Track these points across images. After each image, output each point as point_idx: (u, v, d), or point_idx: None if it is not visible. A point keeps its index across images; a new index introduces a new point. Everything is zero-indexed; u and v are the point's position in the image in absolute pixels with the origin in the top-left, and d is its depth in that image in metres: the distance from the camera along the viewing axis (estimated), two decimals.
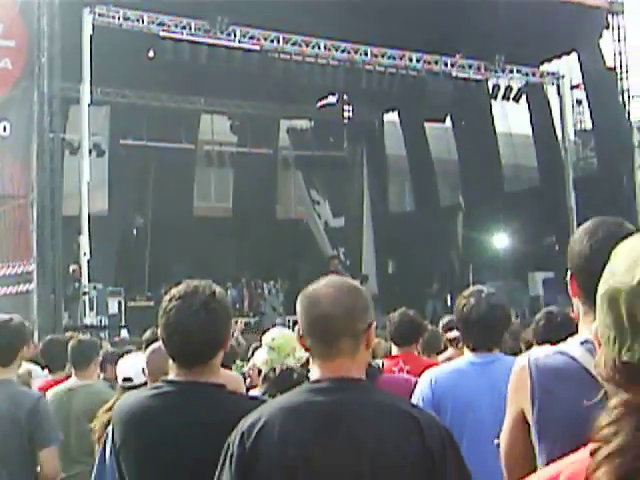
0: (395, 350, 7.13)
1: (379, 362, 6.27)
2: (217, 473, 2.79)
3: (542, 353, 2.94)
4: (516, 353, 6.25)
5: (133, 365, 6.36)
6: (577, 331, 4.97)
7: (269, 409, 2.85)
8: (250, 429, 2.76)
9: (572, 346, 2.87)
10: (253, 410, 2.90)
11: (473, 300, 4.83)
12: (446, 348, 7.78)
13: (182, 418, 3.34)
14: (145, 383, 6.00)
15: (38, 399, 5.74)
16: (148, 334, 9.20)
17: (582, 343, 2.84)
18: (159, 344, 5.43)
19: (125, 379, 6.28)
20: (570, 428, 2.66)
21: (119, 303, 22.31)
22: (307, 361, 6.47)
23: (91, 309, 20.20)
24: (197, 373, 3.41)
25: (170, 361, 3.51)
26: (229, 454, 2.78)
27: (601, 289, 1.50)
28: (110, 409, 6.24)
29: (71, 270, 20.34)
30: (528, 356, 2.94)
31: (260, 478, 2.73)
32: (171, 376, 3.49)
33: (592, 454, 1.41)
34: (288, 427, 2.77)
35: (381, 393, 2.98)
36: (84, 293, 19.94)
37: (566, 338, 5.02)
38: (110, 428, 3.67)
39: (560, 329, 5.13)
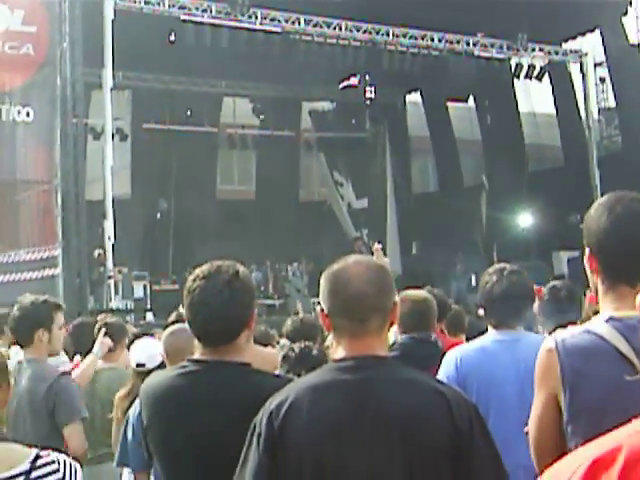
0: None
1: None
2: (244, 452, 2.80)
3: (568, 334, 2.91)
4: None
5: (145, 350, 6.38)
6: (580, 304, 4.92)
7: (296, 388, 2.86)
8: (278, 408, 2.76)
9: (598, 324, 2.85)
10: (279, 388, 2.91)
11: (495, 277, 4.82)
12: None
13: (208, 397, 3.35)
14: (158, 367, 6.04)
15: (59, 376, 5.78)
16: (173, 317, 9.23)
17: (607, 321, 2.82)
18: (177, 327, 5.48)
19: (138, 365, 6.30)
20: (605, 406, 2.64)
21: (144, 287, 22.41)
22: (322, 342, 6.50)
23: (116, 293, 20.29)
24: (222, 352, 3.42)
25: (195, 341, 3.52)
26: (256, 433, 2.78)
27: None
28: (127, 395, 6.29)
29: (96, 254, 20.40)
30: (554, 338, 2.91)
31: (289, 457, 2.73)
32: (196, 355, 3.51)
33: None
34: (317, 406, 2.78)
35: (408, 370, 2.97)
36: (109, 277, 20.01)
37: (570, 311, 4.94)
38: (136, 408, 3.68)
39: (565, 303, 5.09)
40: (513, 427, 3.96)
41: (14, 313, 5.90)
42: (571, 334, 2.89)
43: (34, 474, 3.00)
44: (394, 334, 5.81)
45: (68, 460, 3.10)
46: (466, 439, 2.73)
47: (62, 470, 3.02)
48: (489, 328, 4.91)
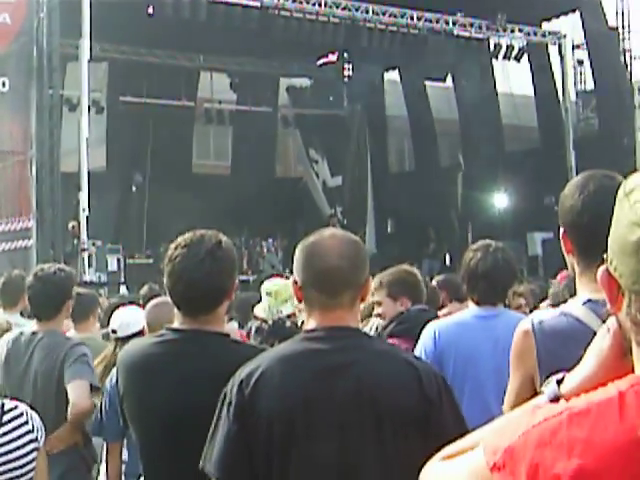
0: None
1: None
2: (214, 421, 2.81)
3: (545, 316, 2.92)
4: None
5: (119, 318, 6.40)
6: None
7: (267, 358, 2.87)
8: (249, 377, 2.77)
9: (574, 307, 2.85)
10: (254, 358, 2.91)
11: (480, 254, 4.82)
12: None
13: (185, 365, 3.35)
14: (131, 336, 6.06)
15: (74, 345, 5.74)
16: (145, 289, 9.24)
17: (584, 303, 2.82)
18: (161, 299, 5.47)
19: (112, 331, 6.34)
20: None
21: (118, 260, 22.33)
22: (293, 313, 6.56)
23: (90, 266, 20.21)
24: (202, 321, 3.42)
25: (175, 309, 3.51)
26: (227, 402, 2.79)
27: (633, 235, 1.42)
28: (101, 362, 6.29)
29: (70, 226, 20.30)
30: (531, 320, 2.91)
31: (260, 425, 2.74)
32: (175, 324, 3.50)
33: None
34: (287, 375, 2.79)
35: (379, 341, 2.99)
36: (83, 250, 19.94)
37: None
38: (113, 377, 3.68)
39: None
40: (490, 402, 3.98)
41: (40, 285, 5.78)
42: (548, 316, 2.90)
43: (5, 418, 3.23)
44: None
45: (24, 405, 3.28)
46: (435, 408, 2.76)
47: (25, 414, 3.19)
48: (470, 303, 4.91)
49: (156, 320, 5.25)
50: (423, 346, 4.71)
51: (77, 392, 5.45)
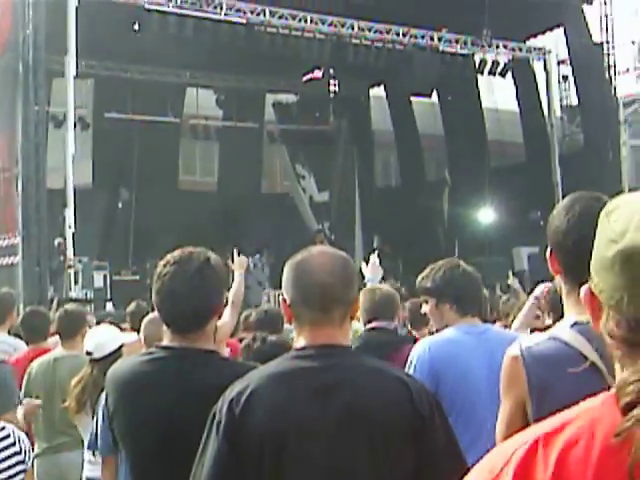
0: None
1: None
2: (203, 440, 2.78)
3: (533, 341, 2.91)
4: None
5: (95, 339, 6.36)
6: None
7: (257, 377, 2.85)
8: (239, 396, 2.75)
9: (563, 330, 2.85)
10: (245, 375, 2.89)
11: (452, 267, 4.87)
12: None
13: (175, 383, 3.33)
14: (108, 356, 6.04)
15: None
16: (132, 307, 9.21)
17: (572, 326, 2.82)
18: (156, 315, 5.46)
19: (87, 352, 6.29)
20: None
21: (104, 277, 22.27)
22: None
23: (76, 282, 20.16)
24: (190, 339, 3.41)
25: (164, 327, 3.50)
26: (216, 421, 2.76)
27: (609, 251, 1.47)
28: (79, 383, 6.26)
29: (56, 243, 20.26)
30: (519, 345, 2.90)
31: (250, 445, 2.71)
32: (165, 342, 3.49)
33: (626, 409, 1.40)
34: (278, 394, 2.77)
35: (370, 359, 2.98)
36: (69, 266, 19.88)
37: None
38: (104, 394, 3.67)
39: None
40: (487, 418, 3.97)
41: None
42: (536, 341, 2.89)
43: None
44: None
45: (12, 426, 3.24)
46: (427, 425, 2.75)
47: (12, 435, 3.16)
48: (448, 311, 4.92)
49: (152, 335, 5.25)
50: (416, 363, 4.69)
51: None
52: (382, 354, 4.68)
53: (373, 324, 5.83)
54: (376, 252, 6.39)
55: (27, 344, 7.94)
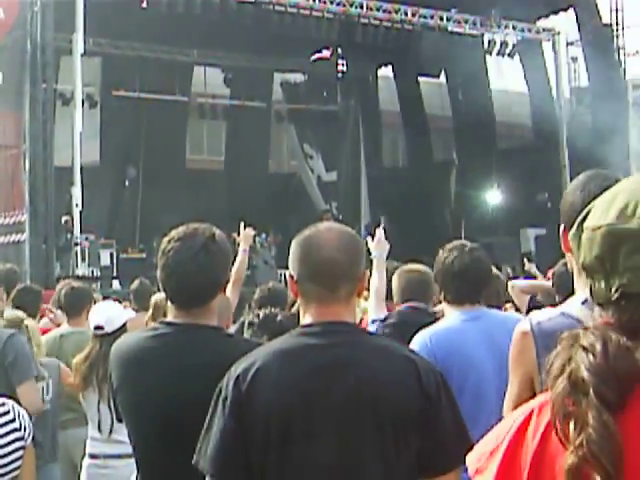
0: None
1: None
2: (209, 417, 2.77)
3: (544, 316, 2.90)
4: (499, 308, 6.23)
5: (104, 313, 6.36)
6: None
7: (263, 353, 2.84)
8: (245, 373, 2.74)
9: (574, 307, 2.84)
10: (249, 352, 2.89)
11: (456, 252, 4.79)
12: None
13: (179, 359, 3.33)
14: (116, 331, 6.05)
15: (8, 337, 5.75)
16: (136, 284, 9.23)
17: (583, 302, 2.80)
18: None
19: (96, 327, 6.28)
20: None
21: (111, 255, 22.31)
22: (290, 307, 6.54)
23: (83, 260, 20.20)
24: (195, 315, 3.40)
25: (168, 303, 3.50)
26: (221, 397, 2.75)
27: (598, 221, 1.55)
28: (85, 359, 6.26)
29: (63, 221, 20.30)
30: (530, 320, 2.90)
31: (256, 421, 2.71)
32: (169, 318, 3.48)
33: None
34: (285, 370, 2.76)
35: (377, 337, 2.97)
36: (76, 244, 19.92)
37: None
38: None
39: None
40: (494, 405, 3.95)
41: None
42: (547, 316, 2.88)
43: None
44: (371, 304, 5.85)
45: (12, 402, 3.24)
46: (433, 404, 2.74)
47: (12, 411, 3.16)
48: (446, 306, 4.88)
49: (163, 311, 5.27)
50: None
51: (25, 397, 5.51)
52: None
53: (411, 304, 5.71)
54: (382, 226, 6.28)
55: None
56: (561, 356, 1.52)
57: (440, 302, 5.21)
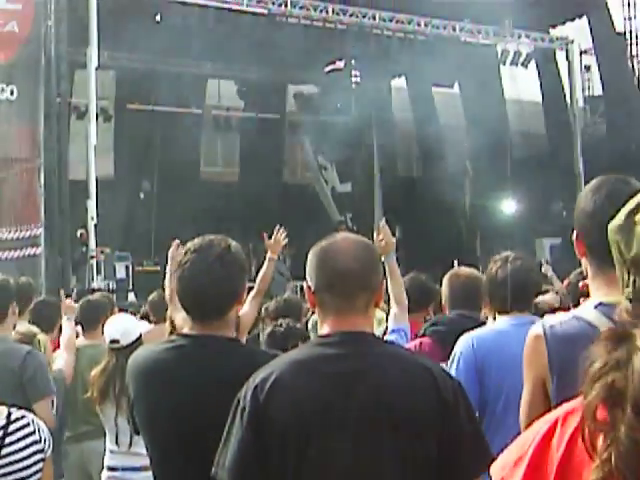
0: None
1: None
2: (227, 428, 2.77)
3: (557, 320, 2.90)
4: None
5: (120, 326, 6.37)
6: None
7: (281, 363, 2.84)
8: (263, 383, 2.74)
9: (587, 310, 2.83)
10: (267, 364, 2.88)
11: (499, 263, 4.79)
12: None
13: (195, 371, 3.33)
14: (132, 343, 6.05)
15: (28, 353, 5.76)
16: (154, 296, 9.24)
17: (596, 306, 2.80)
18: None
19: (112, 341, 6.28)
20: None
21: (126, 267, 22.35)
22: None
23: (98, 273, 20.24)
24: (211, 327, 3.41)
25: (185, 315, 3.50)
26: (239, 408, 2.75)
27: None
28: (102, 372, 6.27)
29: (79, 234, 20.34)
30: (542, 324, 2.90)
31: (275, 432, 2.71)
32: (185, 330, 3.49)
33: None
34: (302, 381, 2.76)
35: (393, 346, 2.97)
36: (91, 257, 19.96)
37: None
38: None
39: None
40: None
41: None
42: (560, 320, 2.88)
43: (11, 428, 3.23)
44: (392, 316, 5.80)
45: (32, 415, 3.28)
46: (451, 414, 2.73)
47: (32, 424, 3.20)
48: (497, 316, 4.87)
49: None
50: (460, 356, 4.63)
51: (41, 415, 5.52)
52: None
53: (459, 311, 5.70)
54: (382, 223, 6.18)
55: None
56: (602, 358, 1.46)
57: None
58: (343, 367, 2.76)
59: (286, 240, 6.69)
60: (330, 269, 2.88)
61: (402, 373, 2.79)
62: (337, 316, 2.87)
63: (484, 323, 5.48)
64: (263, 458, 2.70)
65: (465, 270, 6.02)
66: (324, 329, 2.90)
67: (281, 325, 5.25)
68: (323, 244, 2.94)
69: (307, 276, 2.95)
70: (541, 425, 1.52)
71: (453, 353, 4.72)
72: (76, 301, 8.14)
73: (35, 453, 3.25)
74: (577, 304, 3.09)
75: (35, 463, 3.25)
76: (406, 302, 5.68)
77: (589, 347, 2.65)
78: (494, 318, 4.89)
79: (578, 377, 2.73)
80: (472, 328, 5.00)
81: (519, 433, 1.71)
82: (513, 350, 4.54)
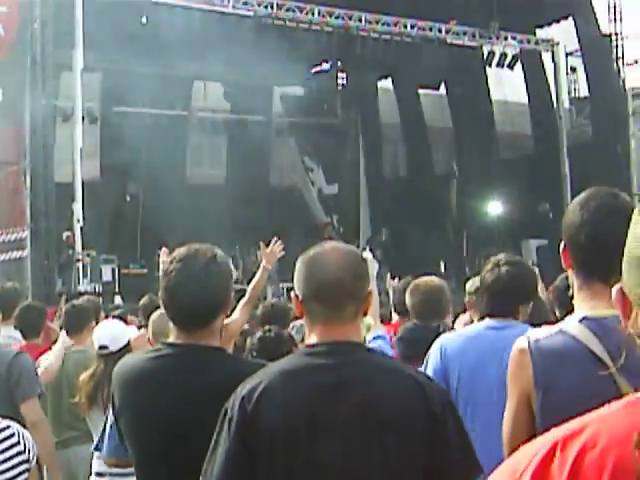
0: (396, 318, 7.13)
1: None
2: (214, 438, 2.76)
3: (542, 334, 2.89)
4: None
5: (109, 332, 6.34)
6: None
7: (269, 373, 2.83)
8: (251, 393, 2.73)
9: (571, 324, 2.83)
10: (252, 373, 2.87)
11: (489, 267, 4.76)
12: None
13: (181, 380, 3.33)
14: (121, 349, 6.04)
15: (15, 355, 5.75)
16: (145, 300, 9.21)
17: (581, 320, 2.80)
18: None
19: (101, 347, 6.26)
20: (577, 408, 2.61)
21: (113, 270, 22.30)
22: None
23: (84, 276, 20.18)
24: (197, 336, 3.40)
25: (170, 324, 3.49)
26: (227, 418, 2.74)
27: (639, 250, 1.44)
28: (90, 378, 6.24)
29: (64, 237, 20.28)
30: (527, 338, 2.89)
31: (262, 442, 2.70)
32: (171, 339, 3.48)
33: None
34: (290, 391, 2.75)
35: (382, 356, 2.97)
36: (77, 260, 19.90)
37: None
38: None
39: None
40: (491, 415, 3.93)
41: None
42: (544, 334, 2.87)
43: None
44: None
45: (17, 425, 3.27)
46: (439, 424, 2.73)
47: (17, 435, 3.18)
48: (475, 320, 4.89)
49: (160, 331, 5.25)
50: (431, 361, 4.64)
51: (30, 413, 5.53)
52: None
53: (417, 321, 5.73)
54: (368, 248, 6.19)
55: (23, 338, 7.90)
56: None
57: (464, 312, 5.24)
58: (332, 377, 2.75)
59: (282, 253, 6.45)
60: (318, 279, 2.87)
61: (390, 383, 2.79)
62: (325, 325, 2.86)
63: (445, 331, 5.48)
64: (250, 468, 2.69)
65: (424, 280, 6.02)
66: (312, 338, 2.89)
67: (270, 331, 5.23)
68: (311, 253, 2.94)
69: (295, 285, 2.94)
70: (537, 447, 1.46)
71: (427, 359, 4.72)
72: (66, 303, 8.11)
73: (20, 463, 3.24)
74: (567, 312, 3.08)
75: (20, 474, 3.23)
76: (377, 311, 5.76)
77: (574, 362, 2.66)
78: (479, 321, 4.89)
79: (562, 392, 2.74)
80: (430, 337, 4.99)
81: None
82: (477, 354, 4.55)
